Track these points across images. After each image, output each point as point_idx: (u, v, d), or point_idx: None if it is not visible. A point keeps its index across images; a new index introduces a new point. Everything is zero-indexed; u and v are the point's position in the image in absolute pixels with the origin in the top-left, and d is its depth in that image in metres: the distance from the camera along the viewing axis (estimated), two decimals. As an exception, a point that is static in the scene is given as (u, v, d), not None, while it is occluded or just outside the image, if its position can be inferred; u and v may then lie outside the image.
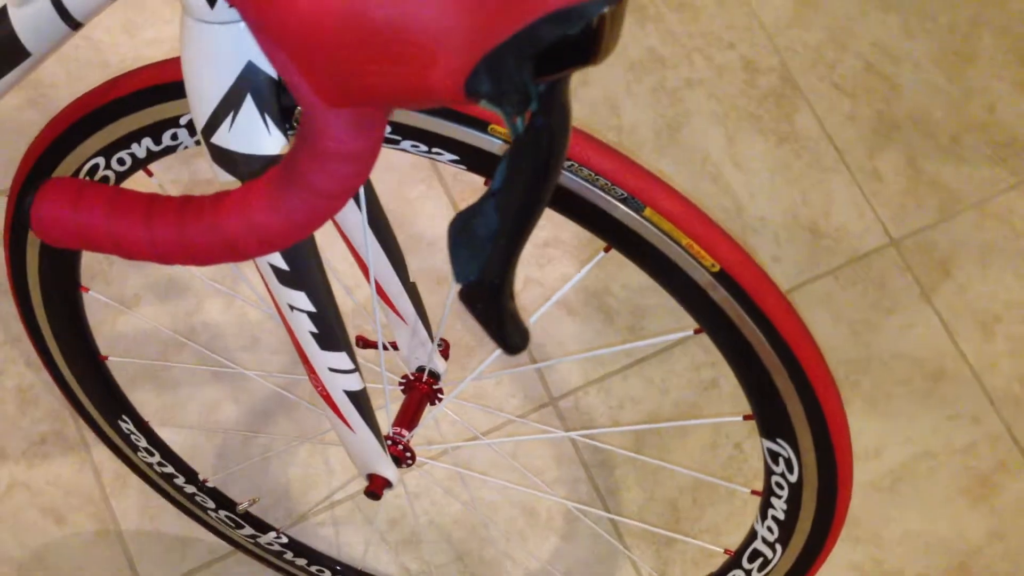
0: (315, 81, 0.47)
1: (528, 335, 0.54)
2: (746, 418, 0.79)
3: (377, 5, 0.43)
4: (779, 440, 0.77)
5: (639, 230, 0.71)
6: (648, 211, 0.70)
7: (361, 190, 0.78)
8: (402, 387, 0.98)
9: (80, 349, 0.97)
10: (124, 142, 0.76)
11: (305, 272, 0.72)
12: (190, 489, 1.12)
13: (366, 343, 1.02)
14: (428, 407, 0.98)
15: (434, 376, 0.97)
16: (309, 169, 0.50)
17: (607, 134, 1.50)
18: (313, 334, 0.76)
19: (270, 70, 0.59)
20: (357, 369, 0.81)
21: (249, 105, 0.60)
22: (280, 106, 0.60)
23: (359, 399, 0.83)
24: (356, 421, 0.85)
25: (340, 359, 0.79)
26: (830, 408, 0.74)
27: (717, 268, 0.71)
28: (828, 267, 1.48)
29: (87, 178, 0.79)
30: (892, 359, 1.45)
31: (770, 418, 0.77)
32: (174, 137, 0.75)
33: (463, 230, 0.50)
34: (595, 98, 1.52)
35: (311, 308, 0.74)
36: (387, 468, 0.92)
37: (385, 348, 0.96)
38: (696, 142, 1.52)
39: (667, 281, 0.74)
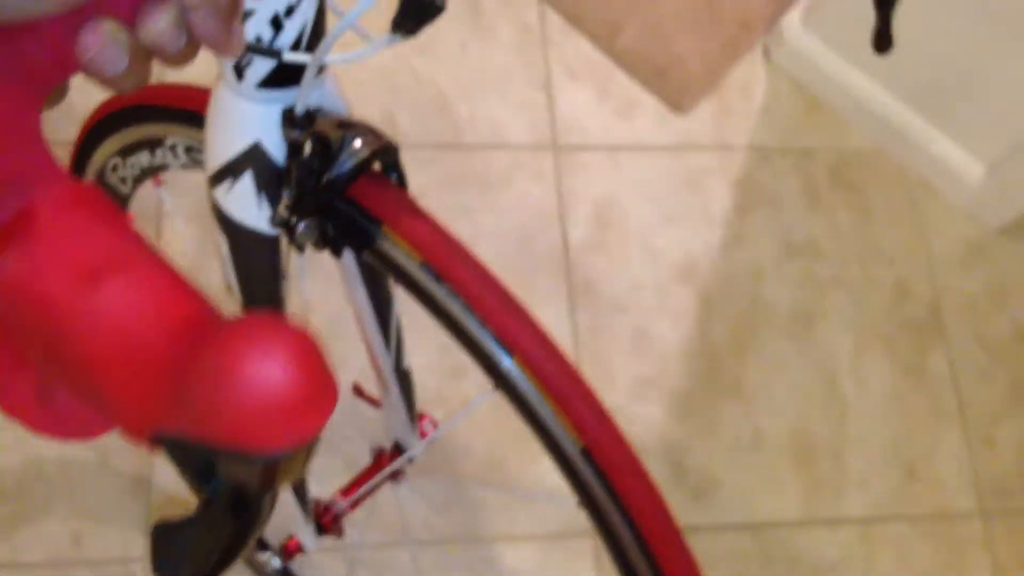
0: None
1: None
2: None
3: None
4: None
5: (511, 377, 0.61)
6: (517, 359, 0.60)
7: (356, 270, 0.77)
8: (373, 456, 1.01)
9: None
10: (140, 146, 0.79)
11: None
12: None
13: (359, 392, 1.05)
14: (391, 484, 0.99)
15: (399, 451, 0.98)
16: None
17: (739, 300, 1.48)
18: None
19: (277, 157, 0.61)
20: None
21: (248, 179, 0.63)
22: (278, 191, 0.63)
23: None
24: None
25: None
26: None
27: (580, 445, 0.61)
28: (910, 511, 1.42)
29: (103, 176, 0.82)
30: (942, 629, 1.37)
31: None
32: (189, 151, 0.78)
33: (164, 542, 0.42)
34: (742, 262, 1.51)
35: None
36: (305, 534, 0.92)
37: (375, 405, 0.97)
38: (823, 340, 1.49)
39: (542, 441, 0.63)
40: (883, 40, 0.52)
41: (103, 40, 0.34)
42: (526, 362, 0.59)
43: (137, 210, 0.93)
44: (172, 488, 1.24)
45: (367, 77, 1.49)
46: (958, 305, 1.55)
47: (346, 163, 0.60)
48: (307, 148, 0.61)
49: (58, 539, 1.20)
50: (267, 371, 0.32)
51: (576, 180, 1.50)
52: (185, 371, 0.34)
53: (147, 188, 0.86)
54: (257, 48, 0.57)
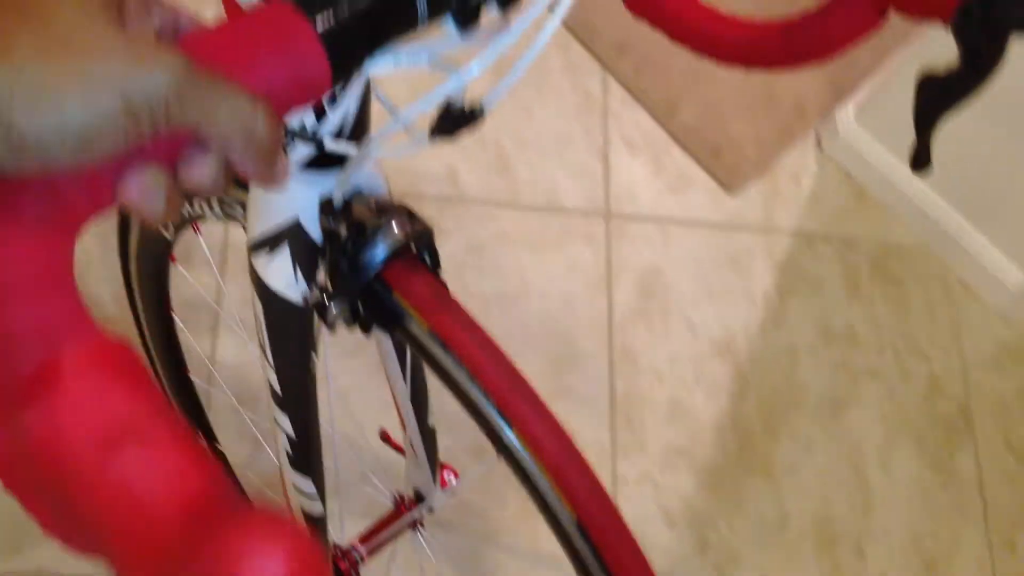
0: None
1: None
2: None
3: None
4: None
5: (511, 448, 0.63)
6: (516, 431, 0.62)
7: (388, 343, 0.80)
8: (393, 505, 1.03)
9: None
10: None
11: (293, 400, 0.77)
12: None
13: (385, 437, 1.07)
14: (409, 532, 1.02)
15: (419, 500, 1.00)
16: None
17: (774, 380, 1.51)
18: (287, 453, 0.82)
19: (315, 235, 0.64)
20: (321, 498, 0.86)
21: (286, 252, 0.65)
22: (314, 266, 0.65)
23: (315, 523, 0.88)
24: None
25: (305, 483, 0.85)
26: None
27: (575, 517, 0.62)
28: (927, 608, 1.43)
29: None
30: None
31: None
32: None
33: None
34: (780, 343, 1.54)
35: (290, 431, 0.80)
36: None
37: (400, 452, 1.00)
38: (853, 428, 1.51)
39: (540, 510, 0.65)
40: (921, 159, 0.53)
41: (145, 188, 0.34)
42: (525, 434, 0.61)
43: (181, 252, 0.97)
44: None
45: (444, 147, 1.54)
46: (989, 406, 1.57)
47: (380, 248, 0.62)
48: (343, 233, 0.63)
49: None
50: None
51: (625, 248, 1.54)
52: (188, 553, 0.33)
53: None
54: (299, 135, 0.59)
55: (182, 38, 0.36)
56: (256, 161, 0.35)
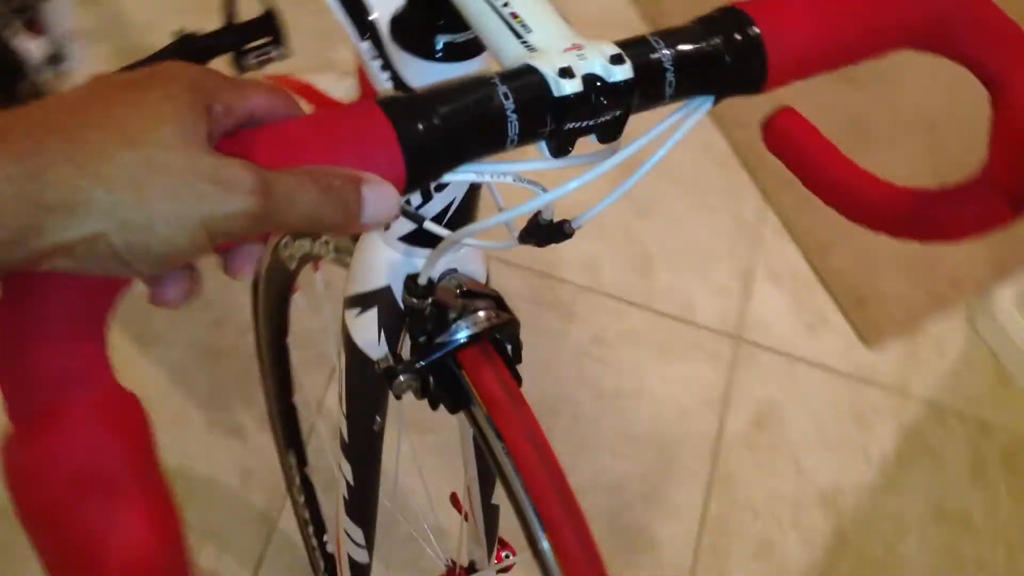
0: None
1: None
2: None
3: None
4: None
5: (544, 556, 0.62)
6: (550, 541, 0.61)
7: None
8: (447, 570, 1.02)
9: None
10: (305, 234, 0.87)
11: (358, 451, 0.80)
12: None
13: (455, 501, 1.08)
14: None
15: (471, 571, 1.00)
16: None
17: (874, 546, 1.45)
18: (345, 499, 0.84)
19: (399, 302, 0.66)
20: (368, 548, 0.88)
21: (374, 314, 0.68)
22: (398, 334, 0.67)
23: (359, 571, 0.91)
24: None
25: (356, 532, 0.87)
26: None
27: None
28: None
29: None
30: None
31: None
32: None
33: None
34: (888, 510, 1.48)
35: (351, 480, 0.83)
36: None
37: (464, 517, 0.99)
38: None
39: None
40: None
41: (186, 290, 0.38)
42: (558, 548, 0.61)
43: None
44: (293, 536, 1.29)
45: (592, 237, 1.57)
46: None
47: (459, 330, 0.63)
48: (424, 309, 0.65)
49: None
50: None
51: (748, 375, 1.52)
52: None
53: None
54: (404, 210, 0.61)
55: (267, 127, 0.37)
56: (332, 232, 0.38)
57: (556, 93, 0.41)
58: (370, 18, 0.56)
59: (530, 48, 0.44)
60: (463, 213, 0.63)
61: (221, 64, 1.05)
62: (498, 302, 0.66)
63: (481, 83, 0.40)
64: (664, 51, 0.43)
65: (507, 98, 0.40)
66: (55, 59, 1.08)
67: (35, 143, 0.32)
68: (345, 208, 0.37)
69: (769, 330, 1.57)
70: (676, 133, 0.47)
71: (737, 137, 1.72)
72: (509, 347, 0.66)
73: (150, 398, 1.37)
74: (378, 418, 0.80)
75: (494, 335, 0.65)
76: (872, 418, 1.54)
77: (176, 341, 1.38)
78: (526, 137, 0.42)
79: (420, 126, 0.39)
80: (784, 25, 0.45)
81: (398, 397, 0.72)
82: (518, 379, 0.66)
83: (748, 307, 1.57)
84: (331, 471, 1.28)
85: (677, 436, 1.45)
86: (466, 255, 0.67)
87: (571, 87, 0.41)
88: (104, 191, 0.32)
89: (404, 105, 0.39)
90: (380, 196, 0.38)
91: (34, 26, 1.09)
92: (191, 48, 1.21)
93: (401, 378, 0.65)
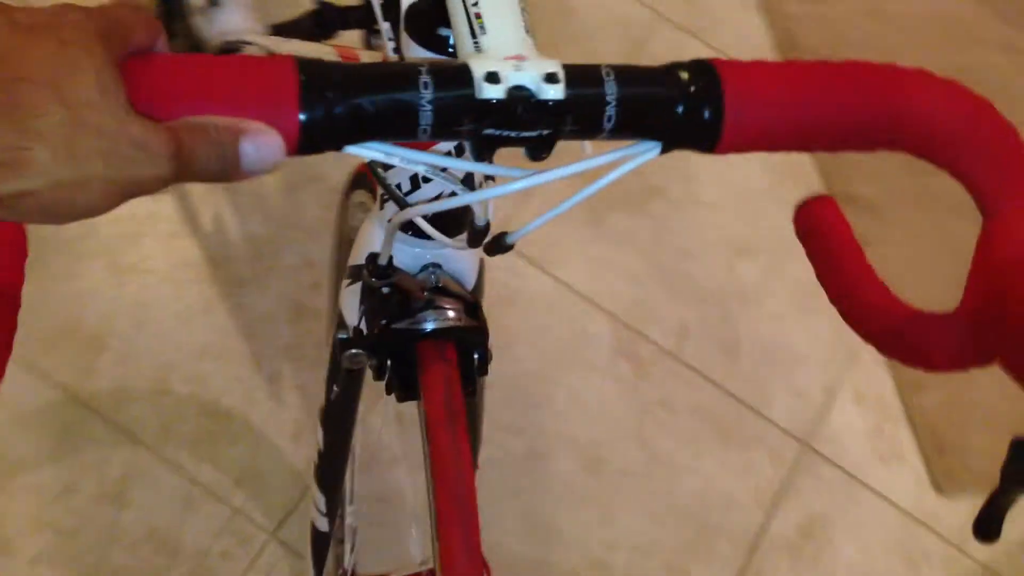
0: None
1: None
2: None
3: None
4: None
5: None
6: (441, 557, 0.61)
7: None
8: None
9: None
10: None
11: (333, 420, 0.83)
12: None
13: None
14: None
15: None
16: None
17: None
18: (314, 465, 0.87)
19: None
20: (329, 518, 0.90)
21: (357, 287, 0.69)
22: (382, 311, 0.66)
23: (318, 540, 0.94)
24: (307, 555, 0.97)
25: (320, 499, 0.90)
26: None
27: None
28: None
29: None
30: None
31: None
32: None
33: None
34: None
35: (322, 446, 0.85)
36: None
37: None
38: None
39: None
40: (988, 527, 0.48)
41: None
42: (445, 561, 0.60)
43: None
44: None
45: (691, 290, 1.58)
46: None
47: (423, 323, 0.64)
48: (383, 290, 0.65)
49: (224, 472, 1.31)
50: None
51: (806, 484, 1.49)
52: None
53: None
54: (390, 191, 0.63)
55: (180, 58, 0.39)
56: (214, 181, 0.39)
57: (477, 95, 0.41)
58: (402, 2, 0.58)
59: (477, 48, 0.44)
60: (453, 219, 0.64)
61: (352, 38, 1.12)
62: (469, 307, 0.66)
63: (407, 68, 0.41)
64: (610, 84, 0.42)
65: (426, 88, 0.40)
66: (213, 2, 1.16)
67: None
68: (222, 158, 0.38)
69: (840, 447, 1.54)
70: (613, 172, 0.46)
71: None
72: (476, 356, 0.66)
73: (232, 333, 1.45)
74: (359, 390, 0.80)
75: (461, 338, 0.65)
76: (923, 564, 1.49)
77: (271, 289, 1.45)
78: (441, 131, 0.41)
79: (328, 93, 0.39)
80: (752, 90, 0.43)
81: (349, 373, 0.73)
82: (472, 388, 0.66)
83: (825, 418, 1.55)
84: (371, 447, 1.31)
85: (719, 521, 1.43)
86: (454, 254, 0.68)
87: (493, 92, 0.40)
88: (43, 149, 0.33)
89: (320, 68, 0.39)
90: (260, 147, 0.38)
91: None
92: (327, 19, 1.28)
93: (352, 351, 0.66)
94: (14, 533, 1.23)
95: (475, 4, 0.46)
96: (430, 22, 0.55)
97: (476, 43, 0.44)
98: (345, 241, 0.94)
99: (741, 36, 1.82)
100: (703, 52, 1.77)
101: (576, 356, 1.50)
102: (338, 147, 0.41)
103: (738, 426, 1.51)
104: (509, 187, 0.47)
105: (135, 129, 0.35)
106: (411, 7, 0.57)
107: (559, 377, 1.48)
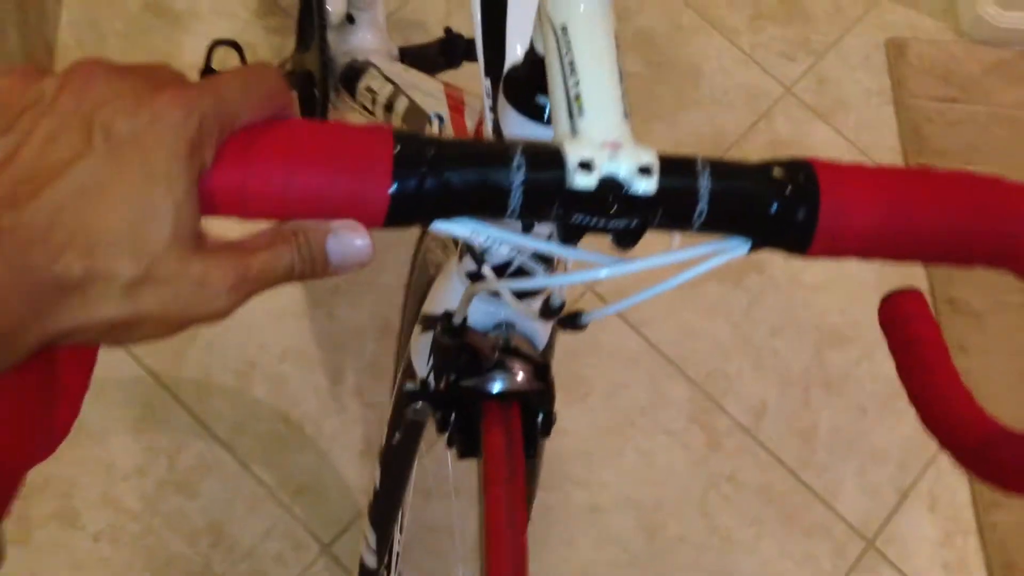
0: None
1: None
2: None
3: None
4: None
5: None
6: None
7: None
8: None
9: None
10: None
11: (392, 459, 0.82)
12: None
13: None
14: None
15: None
16: None
17: None
18: (369, 503, 0.89)
19: None
20: (379, 555, 0.91)
21: (429, 337, 0.68)
22: (451, 366, 0.66)
23: (365, 573, 0.95)
24: None
25: (372, 535, 0.91)
26: None
27: None
28: None
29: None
30: None
31: None
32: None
33: None
34: None
35: (378, 486, 0.85)
36: None
37: None
38: None
39: None
40: None
41: None
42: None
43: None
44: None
45: (776, 369, 1.56)
46: None
47: (490, 384, 0.63)
48: (453, 348, 0.65)
49: (289, 478, 1.34)
50: None
51: (865, 583, 1.46)
52: None
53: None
54: (470, 248, 0.62)
55: (269, 131, 0.37)
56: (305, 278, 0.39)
57: (568, 183, 0.40)
58: (506, 62, 0.57)
59: (574, 131, 0.43)
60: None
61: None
62: (539, 369, 0.66)
63: (503, 148, 0.40)
64: (705, 179, 0.41)
65: (518, 170, 0.39)
66: (349, 18, 1.18)
67: (44, 228, 0.32)
68: (311, 264, 0.38)
69: (905, 550, 1.50)
70: (700, 266, 0.45)
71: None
72: (541, 415, 0.66)
73: (318, 340, 1.47)
74: (421, 434, 0.80)
75: (527, 401, 0.65)
76: None
77: (364, 304, 1.47)
78: (530, 214, 0.41)
79: (422, 168, 0.39)
80: (849, 195, 0.42)
81: (413, 426, 0.72)
82: (533, 450, 0.66)
83: (894, 519, 1.51)
84: (429, 476, 1.32)
85: (767, 605, 1.41)
86: (527, 319, 0.67)
87: (584, 182, 0.40)
88: (104, 288, 0.33)
89: (416, 142, 0.39)
90: (347, 246, 0.39)
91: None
92: (453, 48, 1.28)
93: (417, 404, 0.66)
94: (82, 506, 1.26)
95: (576, 84, 0.44)
96: (528, 90, 0.54)
97: (573, 124, 0.43)
98: (421, 274, 0.96)
99: (868, 126, 1.79)
100: (826, 136, 1.76)
101: (651, 417, 1.49)
102: (427, 221, 0.41)
103: (804, 513, 1.48)
104: (590, 274, 0.46)
105: (196, 269, 0.35)
106: (510, 72, 0.56)
107: (631, 435, 1.47)
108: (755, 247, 0.44)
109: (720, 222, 0.42)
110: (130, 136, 0.33)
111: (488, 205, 0.40)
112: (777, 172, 0.42)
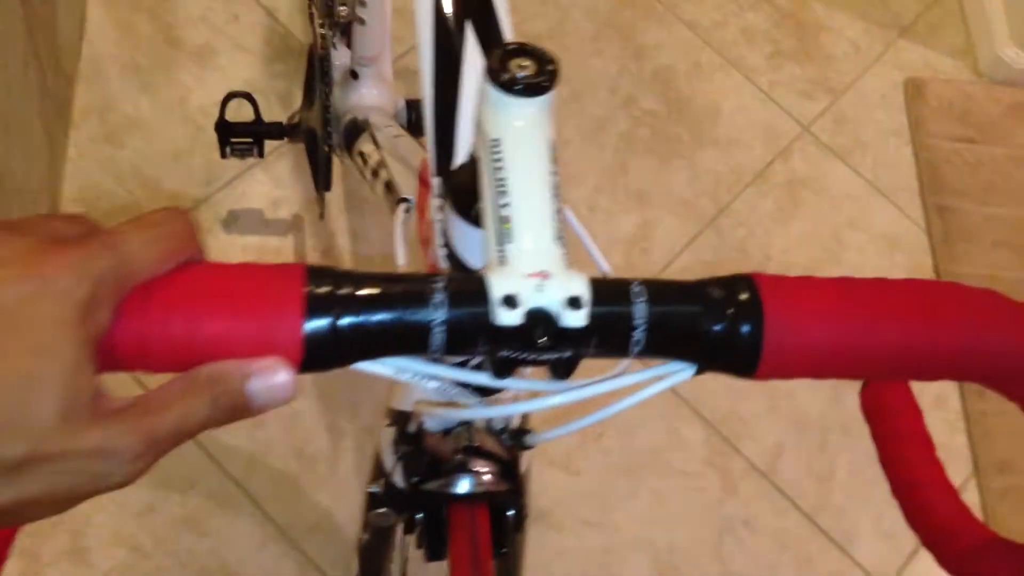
0: None
1: None
2: None
3: None
4: None
5: None
6: None
7: None
8: None
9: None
10: None
11: (366, 553, 0.79)
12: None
13: None
14: None
15: None
16: None
17: None
18: None
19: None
20: None
21: (393, 432, 0.66)
22: (414, 469, 0.64)
23: None
24: None
25: None
26: None
27: None
28: None
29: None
30: None
31: None
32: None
33: None
34: None
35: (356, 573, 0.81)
36: None
37: None
38: None
39: None
40: None
41: None
42: None
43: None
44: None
45: (793, 412, 1.55)
46: None
47: (455, 486, 0.61)
48: (414, 454, 0.63)
49: (301, 517, 1.33)
50: None
51: (881, 632, 1.44)
52: None
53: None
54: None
55: (184, 268, 0.36)
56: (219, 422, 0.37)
57: (492, 320, 0.38)
58: (455, 159, 0.54)
59: (501, 258, 0.41)
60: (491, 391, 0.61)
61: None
62: (505, 467, 0.63)
63: (422, 284, 0.38)
64: (640, 304, 0.39)
65: (439, 308, 0.37)
66: (352, 74, 1.18)
67: None
68: (231, 411, 0.36)
69: (922, 600, 1.48)
70: (645, 391, 0.43)
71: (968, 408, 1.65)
72: (511, 512, 0.64)
73: (334, 377, 1.44)
74: (398, 528, 0.78)
75: (494, 500, 0.63)
76: None
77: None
78: (455, 351, 0.38)
79: (334, 307, 0.36)
80: (796, 312, 0.39)
81: (374, 527, 0.70)
82: (502, 548, 0.64)
83: (910, 566, 1.50)
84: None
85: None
86: (501, 415, 0.64)
87: (509, 319, 0.38)
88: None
89: (328, 279, 0.37)
90: (270, 387, 0.36)
91: (346, 39, 1.19)
92: (417, 119, 1.22)
93: (380, 510, 0.64)
94: (94, 544, 1.26)
95: (505, 206, 0.42)
96: (469, 198, 0.50)
97: (501, 251, 0.41)
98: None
99: (886, 165, 1.79)
100: (844, 175, 1.75)
101: (665, 458, 1.47)
102: (345, 364, 0.38)
103: (820, 558, 1.46)
104: (526, 406, 0.45)
105: (92, 440, 0.33)
106: (453, 174, 0.53)
107: (645, 476, 1.45)
108: (700, 370, 0.42)
109: (659, 348, 0.40)
110: (15, 306, 0.31)
111: (409, 344, 0.38)
112: (716, 292, 0.40)
